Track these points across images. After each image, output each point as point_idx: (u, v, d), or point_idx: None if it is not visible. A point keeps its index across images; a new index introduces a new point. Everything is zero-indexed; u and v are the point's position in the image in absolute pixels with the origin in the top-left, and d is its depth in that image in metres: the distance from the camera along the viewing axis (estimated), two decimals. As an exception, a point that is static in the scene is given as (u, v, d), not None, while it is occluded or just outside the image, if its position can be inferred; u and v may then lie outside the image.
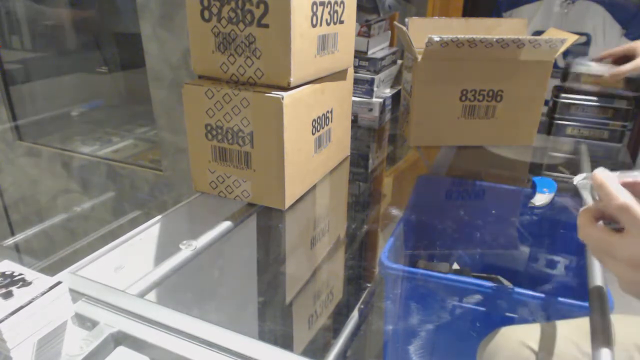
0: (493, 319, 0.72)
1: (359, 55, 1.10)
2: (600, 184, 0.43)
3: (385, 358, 0.81)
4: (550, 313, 0.68)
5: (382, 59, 1.13)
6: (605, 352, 0.44)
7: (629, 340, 0.61)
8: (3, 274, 0.41)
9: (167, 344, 0.43)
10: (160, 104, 1.51)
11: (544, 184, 0.92)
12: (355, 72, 1.11)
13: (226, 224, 0.66)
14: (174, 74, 1.44)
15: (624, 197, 0.41)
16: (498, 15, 1.64)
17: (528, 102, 0.94)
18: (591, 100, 1.03)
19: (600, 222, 0.45)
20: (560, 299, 0.68)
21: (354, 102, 1.07)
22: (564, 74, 1.05)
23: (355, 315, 0.71)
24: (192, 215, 0.75)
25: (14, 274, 0.42)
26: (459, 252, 0.97)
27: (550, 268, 0.93)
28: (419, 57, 0.90)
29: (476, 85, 0.93)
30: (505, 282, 0.91)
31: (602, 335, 0.46)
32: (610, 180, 0.42)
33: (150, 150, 1.87)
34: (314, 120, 0.75)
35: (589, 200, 0.46)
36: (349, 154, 0.95)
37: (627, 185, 0.43)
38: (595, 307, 0.50)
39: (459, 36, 0.85)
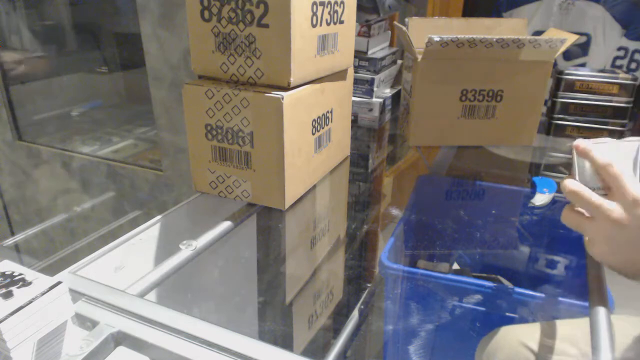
0: (493, 319, 0.72)
1: (359, 55, 1.10)
2: (583, 151, 0.49)
3: (385, 358, 0.81)
4: (550, 313, 0.68)
5: (382, 59, 1.13)
6: (605, 352, 0.44)
7: (629, 340, 0.61)
8: (3, 274, 0.41)
9: (167, 344, 0.43)
10: (160, 104, 1.51)
11: (544, 184, 0.92)
12: (355, 72, 1.10)
13: (226, 224, 0.66)
14: (174, 74, 1.44)
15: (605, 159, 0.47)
16: (498, 15, 1.64)
17: (528, 102, 0.94)
18: (590, 100, 1.03)
19: None
20: (560, 299, 0.68)
21: (354, 102, 1.07)
22: (557, 80, 1.05)
23: (355, 315, 0.71)
24: (192, 215, 0.75)
25: (14, 274, 0.42)
26: (459, 252, 0.97)
27: (550, 268, 0.93)
28: (419, 57, 0.90)
29: (476, 85, 0.93)
30: (505, 282, 0.91)
31: (602, 335, 0.46)
32: (592, 147, 0.49)
33: (150, 150, 1.87)
34: (314, 120, 0.75)
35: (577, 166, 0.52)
36: (349, 154, 0.95)
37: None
38: (595, 307, 0.50)
39: (459, 36, 0.85)
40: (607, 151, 0.50)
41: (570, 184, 0.49)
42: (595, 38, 1.50)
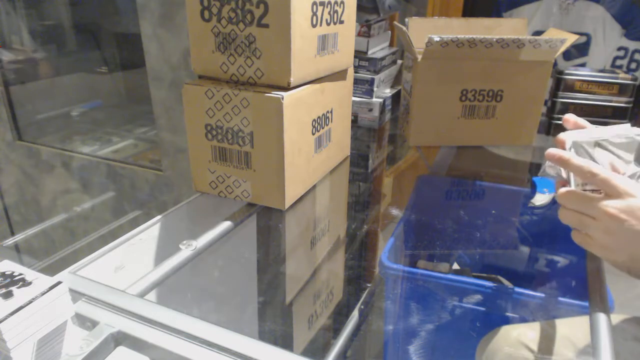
0: (493, 319, 0.72)
1: (359, 55, 1.10)
2: (559, 161, 0.50)
3: (385, 358, 0.81)
4: (550, 313, 0.68)
5: (382, 59, 1.13)
6: (605, 352, 0.44)
7: (628, 340, 0.61)
8: (3, 274, 0.41)
9: (167, 344, 0.43)
10: (160, 104, 1.51)
11: (544, 184, 0.92)
12: (355, 72, 1.10)
13: (226, 224, 0.66)
14: (174, 74, 1.44)
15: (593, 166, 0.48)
16: (498, 15, 1.64)
17: (528, 102, 0.94)
18: (590, 100, 1.03)
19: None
20: (560, 298, 0.68)
21: (354, 102, 1.07)
22: (557, 80, 1.05)
23: (355, 315, 0.71)
24: (192, 215, 0.75)
25: (14, 274, 0.42)
26: (459, 252, 0.97)
27: (550, 268, 0.93)
28: (419, 57, 0.90)
29: (476, 85, 0.93)
30: (505, 282, 0.91)
31: (602, 335, 0.46)
32: (570, 155, 0.50)
33: (150, 150, 1.87)
34: (314, 120, 0.75)
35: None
36: (349, 154, 0.95)
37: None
38: (595, 307, 0.50)
39: (459, 36, 0.85)
40: (585, 146, 0.50)
41: (562, 189, 0.51)
42: (595, 38, 1.50)
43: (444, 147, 1.04)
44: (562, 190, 0.51)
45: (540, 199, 0.90)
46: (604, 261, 0.58)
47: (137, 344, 0.44)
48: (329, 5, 0.71)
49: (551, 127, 1.08)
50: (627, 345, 0.60)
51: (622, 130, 0.50)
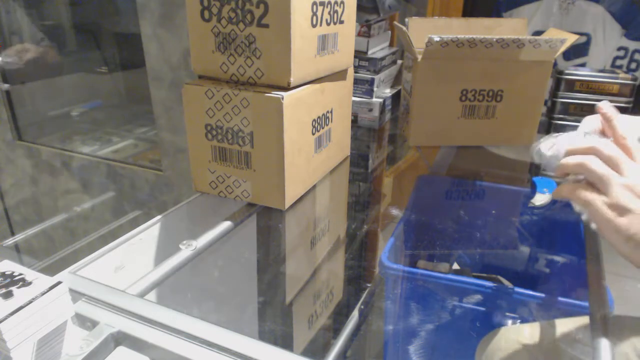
0: (493, 319, 0.72)
1: (359, 55, 1.10)
2: (604, 115, 0.52)
3: (385, 358, 0.81)
4: (550, 313, 0.68)
5: (382, 59, 1.13)
6: (604, 352, 0.44)
7: (627, 340, 0.61)
8: (3, 274, 0.41)
9: (167, 344, 0.43)
10: (160, 104, 1.51)
11: (544, 184, 0.92)
12: (355, 72, 1.10)
13: (226, 224, 0.66)
14: (174, 74, 1.44)
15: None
16: (498, 15, 1.64)
17: (528, 102, 0.94)
18: (590, 100, 1.03)
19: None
20: (560, 298, 0.68)
21: (354, 102, 1.07)
22: (557, 80, 1.05)
23: (355, 315, 0.71)
24: (192, 215, 0.75)
25: (14, 274, 0.42)
26: (459, 252, 0.97)
27: (550, 268, 0.93)
28: (419, 57, 0.90)
29: (476, 85, 0.93)
30: (505, 282, 0.91)
31: (602, 335, 0.46)
32: (616, 115, 0.51)
33: (150, 150, 1.87)
34: (314, 120, 0.75)
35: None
36: (349, 154, 0.95)
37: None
38: (595, 307, 0.50)
39: (459, 36, 0.85)
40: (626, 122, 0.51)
41: (574, 158, 0.49)
42: (595, 38, 1.50)
43: (444, 147, 1.04)
44: (599, 139, 0.50)
45: (540, 199, 0.90)
46: (603, 262, 0.58)
47: (137, 344, 0.44)
48: (329, 5, 0.71)
49: (551, 127, 1.08)
50: (627, 345, 0.60)
51: None
